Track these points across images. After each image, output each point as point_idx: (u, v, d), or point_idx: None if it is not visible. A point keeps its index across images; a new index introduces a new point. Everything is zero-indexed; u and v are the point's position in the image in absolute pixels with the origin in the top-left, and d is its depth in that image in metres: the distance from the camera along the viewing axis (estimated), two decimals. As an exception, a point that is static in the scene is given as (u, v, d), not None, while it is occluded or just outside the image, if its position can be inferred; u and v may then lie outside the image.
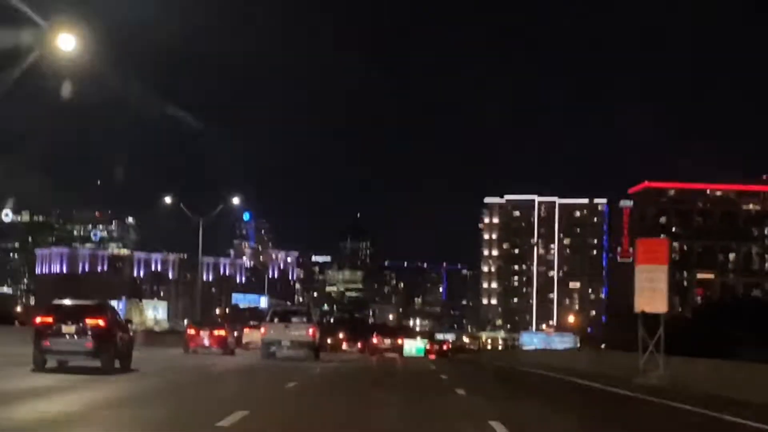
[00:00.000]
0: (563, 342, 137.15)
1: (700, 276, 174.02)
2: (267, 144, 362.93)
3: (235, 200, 56.86)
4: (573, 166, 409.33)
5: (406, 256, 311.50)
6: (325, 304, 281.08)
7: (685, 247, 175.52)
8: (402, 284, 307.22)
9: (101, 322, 23.44)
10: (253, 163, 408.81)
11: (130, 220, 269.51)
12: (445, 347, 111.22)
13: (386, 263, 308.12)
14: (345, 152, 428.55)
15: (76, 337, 23.10)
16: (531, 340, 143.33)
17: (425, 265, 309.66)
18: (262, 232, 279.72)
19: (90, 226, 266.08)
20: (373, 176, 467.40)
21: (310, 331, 40.15)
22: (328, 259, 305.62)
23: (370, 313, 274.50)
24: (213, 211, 56.01)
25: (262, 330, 41.38)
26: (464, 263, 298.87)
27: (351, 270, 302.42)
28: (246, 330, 60.97)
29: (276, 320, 40.90)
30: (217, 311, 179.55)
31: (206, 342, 44.28)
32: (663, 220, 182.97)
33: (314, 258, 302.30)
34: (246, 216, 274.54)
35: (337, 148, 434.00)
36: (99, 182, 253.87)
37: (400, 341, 70.33)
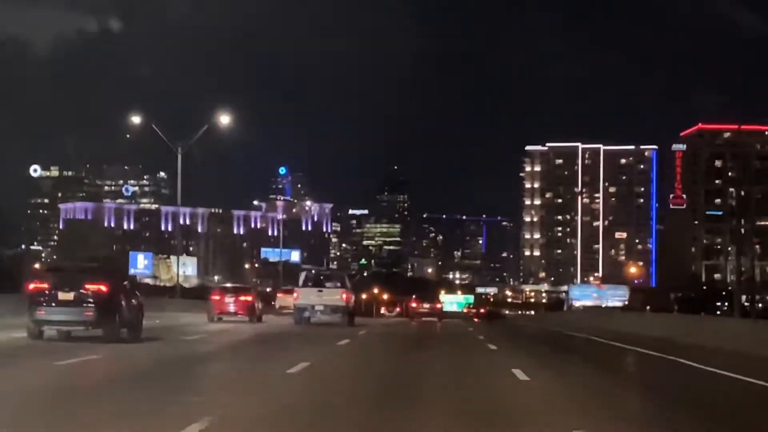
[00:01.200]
0: (616, 296, 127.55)
1: (759, 223, 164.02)
2: (302, 98, 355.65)
3: (224, 119, 46.94)
4: (619, 111, 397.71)
5: (445, 208, 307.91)
6: (363, 258, 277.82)
7: (742, 193, 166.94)
8: (441, 237, 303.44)
9: (103, 288, 21.48)
10: (291, 118, 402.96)
11: (162, 174, 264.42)
12: (483, 310, 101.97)
13: (424, 216, 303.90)
14: (382, 103, 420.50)
15: (74, 305, 21.16)
16: (583, 294, 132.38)
17: (464, 217, 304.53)
18: (299, 185, 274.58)
19: (121, 181, 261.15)
20: (410, 127, 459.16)
21: (344, 295, 39.56)
22: (365, 212, 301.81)
23: (409, 267, 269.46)
24: (194, 134, 46.69)
25: (295, 295, 41.02)
26: (504, 215, 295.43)
27: (389, 223, 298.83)
28: (279, 294, 60.59)
29: (309, 285, 40.39)
30: (247, 266, 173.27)
31: (231, 308, 41.77)
32: (718, 164, 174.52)
33: (351, 211, 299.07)
34: (282, 170, 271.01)
35: (374, 99, 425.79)
36: (128, 136, 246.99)
37: (438, 305, 66.10)
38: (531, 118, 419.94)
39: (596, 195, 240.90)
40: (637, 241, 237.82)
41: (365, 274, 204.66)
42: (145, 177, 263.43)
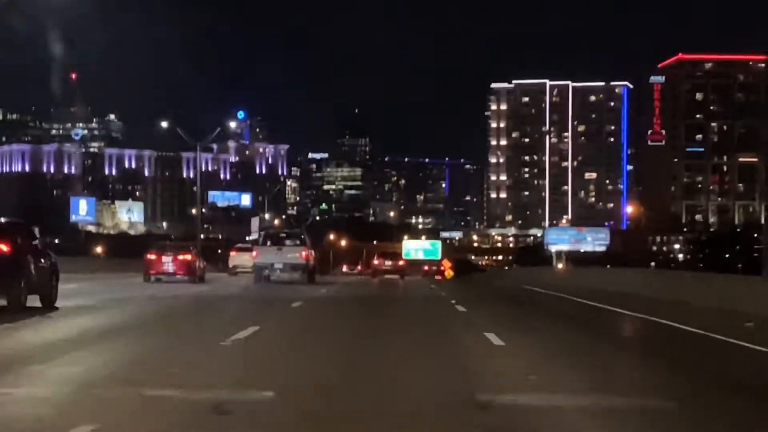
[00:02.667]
0: (598, 240, 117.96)
1: (742, 159, 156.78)
2: (263, 35, 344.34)
3: None
4: (588, 45, 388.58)
5: (407, 151, 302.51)
6: (323, 203, 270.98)
7: (724, 127, 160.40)
8: (403, 181, 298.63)
9: (4, 248, 18.59)
10: (250, 56, 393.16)
11: (112, 117, 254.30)
12: (442, 267, 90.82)
13: (386, 159, 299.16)
14: (340, 41, 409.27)
15: None
16: (560, 238, 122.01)
17: (427, 160, 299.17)
18: (257, 130, 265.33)
19: (69, 124, 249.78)
20: (370, 67, 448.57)
21: (303, 253, 40.24)
22: (325, 155, 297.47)
23: (371, 212, 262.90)
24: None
25: (254, 253, 41.98)
26: (468, 157, 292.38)
27: (350, 167, 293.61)
28: (233, 253, 58.50)
29: (269, 243, 41.03)
30: (193, 211, 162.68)
31: (170, 268, 39.89)
32: (699, 96, 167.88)
33: (311, 155, 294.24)
34: (240, 114, 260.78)
35: (332, 37, 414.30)
36: (74, 76, 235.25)
37: (401, 263, 62.61)
38: (496, 53, 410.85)
39: (565, 134, 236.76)
40: (607, 181, 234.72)
41: (318, 218, 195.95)
42: (94, 120, 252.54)
